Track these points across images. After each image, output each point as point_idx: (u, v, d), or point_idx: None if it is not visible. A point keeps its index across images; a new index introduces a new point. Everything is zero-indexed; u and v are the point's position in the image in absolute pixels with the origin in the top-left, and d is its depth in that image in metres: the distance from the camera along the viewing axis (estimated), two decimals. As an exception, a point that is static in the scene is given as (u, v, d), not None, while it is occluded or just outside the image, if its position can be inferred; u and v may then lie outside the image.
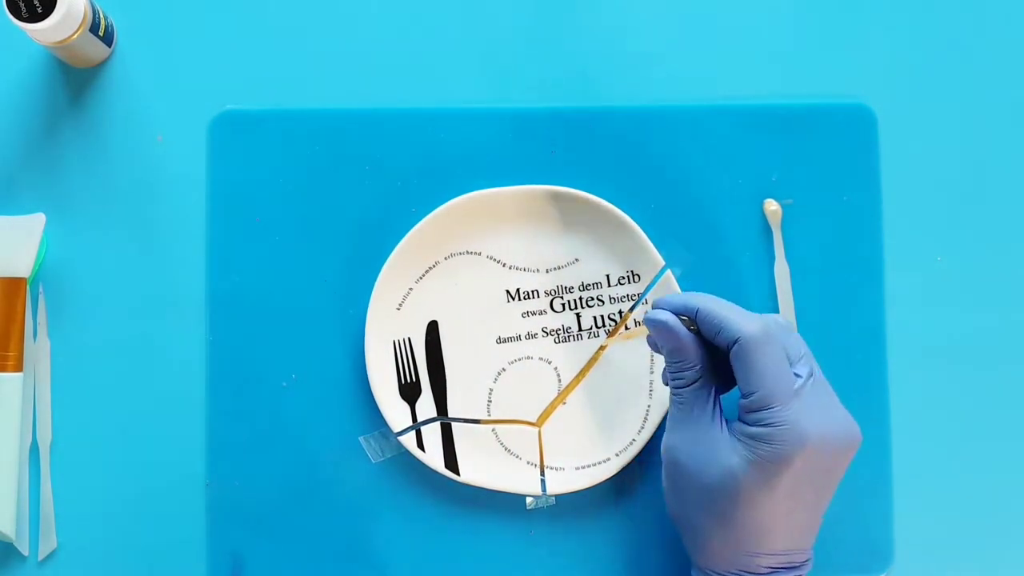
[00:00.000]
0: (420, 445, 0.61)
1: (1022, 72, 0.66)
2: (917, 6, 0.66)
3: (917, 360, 0.64)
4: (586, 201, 0.62)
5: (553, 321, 0.63)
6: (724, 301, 0.54)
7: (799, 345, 0.54)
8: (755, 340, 0.51)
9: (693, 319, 0.53)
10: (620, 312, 0.63)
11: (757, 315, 0.53)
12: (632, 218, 0.61)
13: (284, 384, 0.62)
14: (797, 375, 0.52)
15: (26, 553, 0.62)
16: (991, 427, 0.64)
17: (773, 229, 0.63)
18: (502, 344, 0.63)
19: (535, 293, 0.63)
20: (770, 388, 0.51)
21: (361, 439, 0.62)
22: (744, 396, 0.52)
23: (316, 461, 0.62)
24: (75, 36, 0.59)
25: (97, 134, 0.64)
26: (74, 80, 0.64)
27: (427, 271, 0.62)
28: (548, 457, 0.62)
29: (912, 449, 0.63)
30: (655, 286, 0.62)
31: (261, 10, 0.65)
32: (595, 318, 0.63)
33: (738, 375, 0.52)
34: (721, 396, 0.55)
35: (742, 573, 0.53)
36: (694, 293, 0.55)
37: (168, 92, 0.64)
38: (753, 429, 0.51)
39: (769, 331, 0.52)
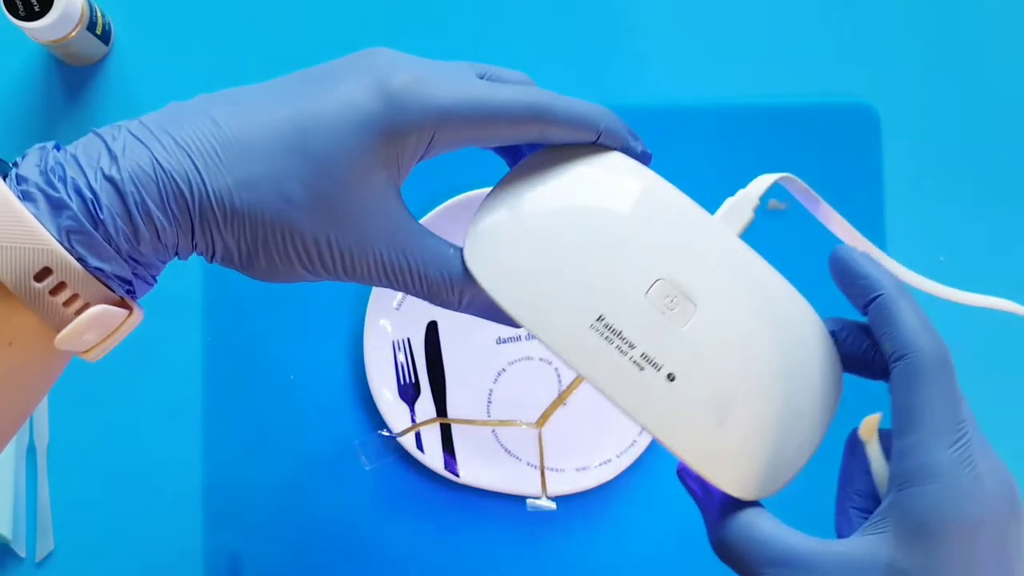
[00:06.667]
0: (419, 446, 0.61)
1: (1026, 71, 0.66)
2: (919, 4, 0.65)
3: (920, 361, 0.63)
4: (587, 201, 0.61)
5: (553, 321, 0.62)
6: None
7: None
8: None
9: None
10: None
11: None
12: (633, 218, 0.61)
13: (283, 385, 0.62)
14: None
15: (23, 554, 0.62)
16: (995, 428, 0.63)
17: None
18: (502, 344, 0.62)
19: (535, 293, 0.62)
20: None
21: (356, 444, 0.61)
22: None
23: (314, 463, 0.62)
24: (72, 34, 0.59)
25: (95, 133, 0.64)
26: (72, 78, 0.64)
27: (426, 271, 0.62)
28: (548, 458, 0.62)
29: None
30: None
31: (260, 9, 0.65)
32: (596, 318, 0.62)
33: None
34: None
35: None
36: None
37: (166, 90, 0.64)
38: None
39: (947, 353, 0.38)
